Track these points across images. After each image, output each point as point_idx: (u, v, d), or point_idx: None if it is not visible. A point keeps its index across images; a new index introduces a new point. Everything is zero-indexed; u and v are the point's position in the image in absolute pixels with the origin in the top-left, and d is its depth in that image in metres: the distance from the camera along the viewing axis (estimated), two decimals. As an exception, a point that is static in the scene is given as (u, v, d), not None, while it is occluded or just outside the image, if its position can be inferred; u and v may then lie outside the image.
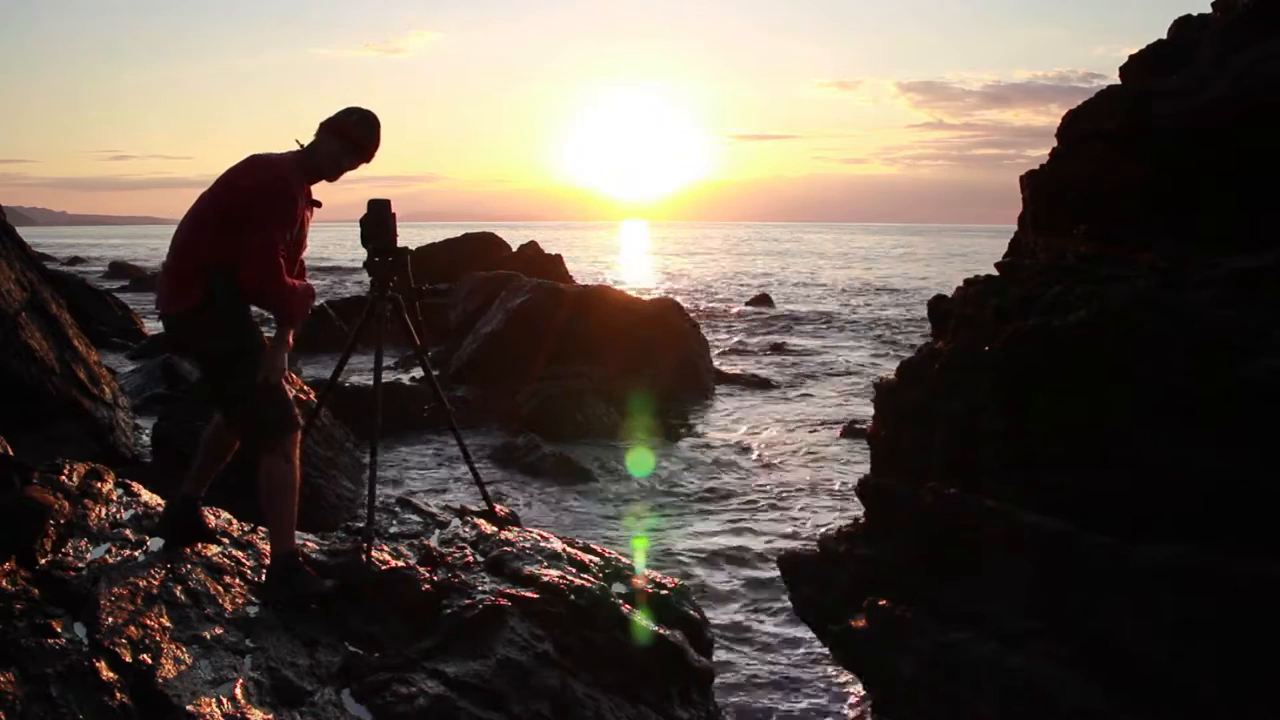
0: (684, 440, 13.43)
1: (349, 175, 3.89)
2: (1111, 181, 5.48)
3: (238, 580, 3.72)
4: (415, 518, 4.75)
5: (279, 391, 3.70)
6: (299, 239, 3.76)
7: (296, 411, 3.78)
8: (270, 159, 3.70)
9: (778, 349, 22.42)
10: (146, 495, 4.30)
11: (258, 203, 3.54)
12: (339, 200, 3.96)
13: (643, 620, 4.07)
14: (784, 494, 10.80)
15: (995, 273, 6.08)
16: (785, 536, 9.25)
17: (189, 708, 2.87)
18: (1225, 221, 4.95)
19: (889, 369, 12.91)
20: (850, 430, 13.52)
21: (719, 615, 7.22)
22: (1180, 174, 5.16)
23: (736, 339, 24.56)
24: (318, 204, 3.85)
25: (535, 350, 15.32)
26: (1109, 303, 4.67)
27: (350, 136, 3.76)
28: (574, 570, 4.20)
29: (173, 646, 3.13)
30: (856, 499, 6.28)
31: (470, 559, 4.21)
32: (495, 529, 4.59)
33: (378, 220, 4.17)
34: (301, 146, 3.76)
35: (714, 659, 4.60)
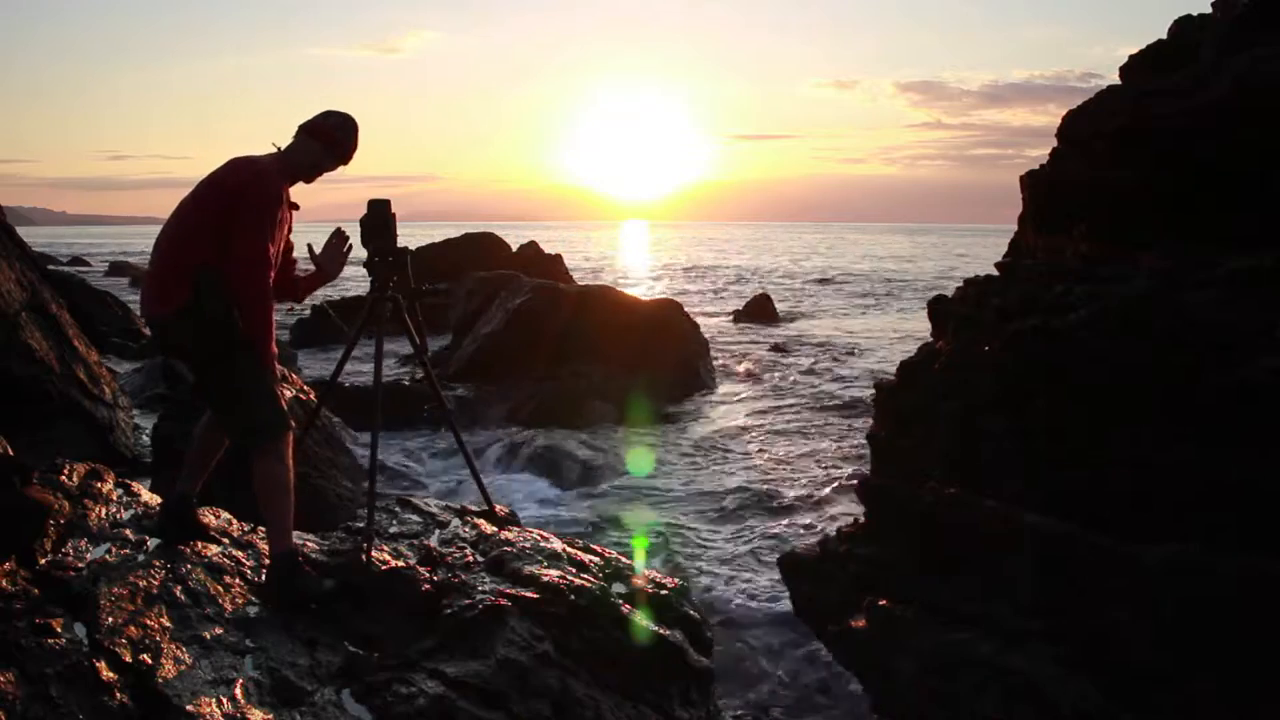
0: (684, 440, 13.43)
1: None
2: (1112, 182, 5.48)
3: (238, 580, 3.72)
4: (415, 518, 4.75)
5: (268, 394, 3.69)
6: (284, 241, 3.78)
7: (288, 413, 3.78)
8: (253, 160, 3.71)
9: (778, 348, 22.42)
10: (146, 495, 4.30)
11: (245, 203, 3.54)
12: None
13: (643, 620, 4.07)
14: (784, 494, 10.79)
15: (995, 273, 6.08)
16: (785, 536, 9.25)
17: (189, 708, 2.87)
18: (1225, 221, 4.95)
19: (889, 369, 12.91)
20: (850, 429, 13.52)
21: (719, 615, 7.22)
22: (1180, 174, 5.16)
23: (737, 338, 24.55)
24: (295, 206, 3.87)
25: (535, 350, 15.31)
26: (1109, 303, 4.67)
27: (329, 139, 3.78)
28: (574, 570, 4.20)
29: (173, 646, 3.13)
30: (856, 499, 6.28)
31: (470, 559, 4.21)
32: (495, 529, 4.59)
33: (378, 220, 4.17)
34: (279, 149, 3.77)
35: (714, 659, 4.60)
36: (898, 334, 26.25)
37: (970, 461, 5.15)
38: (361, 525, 4.34)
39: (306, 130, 3.78)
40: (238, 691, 3.03)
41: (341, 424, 10.41)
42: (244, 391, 3.64)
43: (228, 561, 3.83)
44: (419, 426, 12.57)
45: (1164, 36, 6.36)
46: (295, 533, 3.81)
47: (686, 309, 19.38)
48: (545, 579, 4.02)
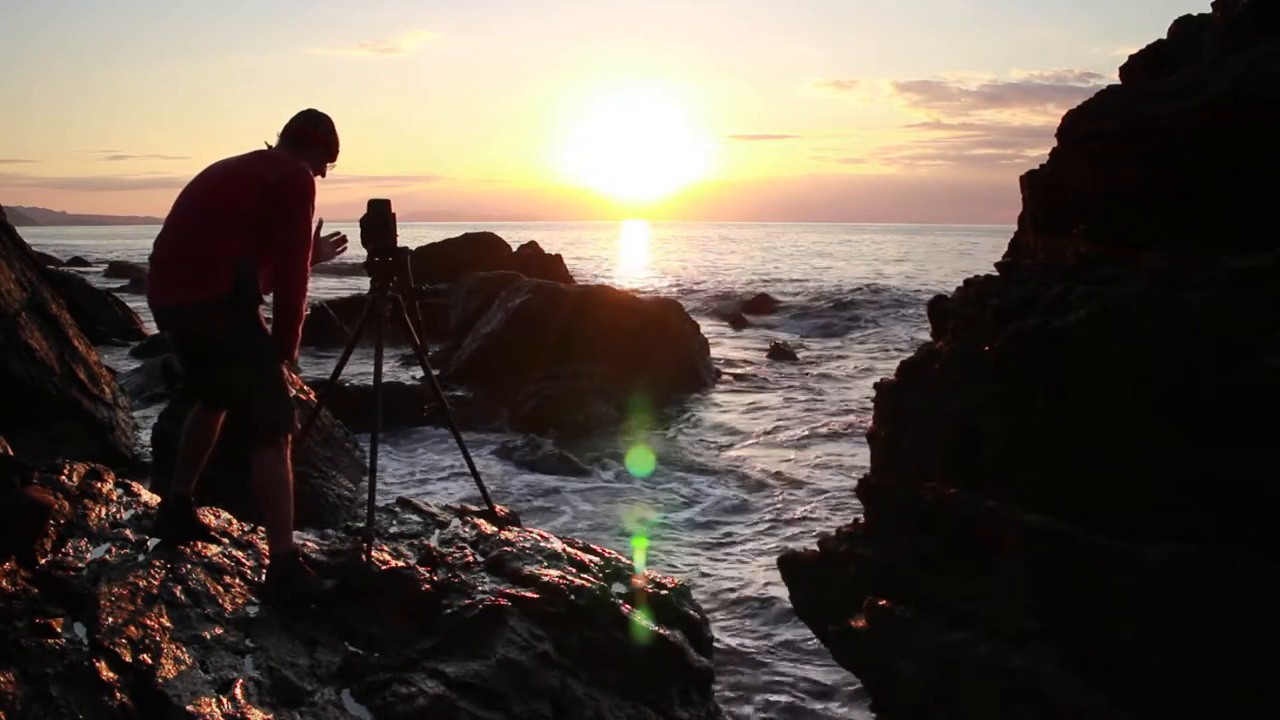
0: (684, 440, 13.43)
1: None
2: (1111, 181, 5.48)
3: (238, 580, 3.72)
4: (415, 518, 4.75)
5: (284, 391, 3.74)
6: None
7: (296, 414, 3.81)
8: (288, 156, 3.75)
9: (777, 349, 22.42)
10: (146, 495, 4.30)
11: (290, 199, 3.60)
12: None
13: (643, 620, 4.08)
14: (783, 494, 10.80)
15: (995, 273, 6.07)
16: (785, 536, 9.25)
17: (189, 708, 2.87)
18: (1225, 221, 4.95)
19: (889, 368, 12.92)
20: (850, 430, 13.53)
21: (719, 615, 7.22)
22: (1180, 174, 5.16)
23: (736, 339, 24.55)
24: None
25: (535, 350, 15.32)
26: (1109, 303, 4.67)
27: (330, 145, 3.87)
28: (574, 570, 4.21)
29: (173, 646, 3.13)
30: (856, 499, 6.28)
31: (470, 559, 4.21)
32: (495, 529, 4.59)
33: (378, 220, 4.18)
34: (269, 147, 3.82)
35: (714, 659, 4.60)
36: (897, 334, 26.25)
37: (970, 461, 5.15)
38: (361, 525, 4.34)
39: (309, 140, 3.84)
40: (238, 691, 3.03)
41: (341, 424, 10.40)
42: (264, 386, 3.67)
43: (228, 561, 3.84)
44: (419, 427, 12.58)
45: (1164, 36, 6.36)
46: (295, 533, 3.82)
47: (686, 309, 19.38)
48: (545, 579, 4.03)
